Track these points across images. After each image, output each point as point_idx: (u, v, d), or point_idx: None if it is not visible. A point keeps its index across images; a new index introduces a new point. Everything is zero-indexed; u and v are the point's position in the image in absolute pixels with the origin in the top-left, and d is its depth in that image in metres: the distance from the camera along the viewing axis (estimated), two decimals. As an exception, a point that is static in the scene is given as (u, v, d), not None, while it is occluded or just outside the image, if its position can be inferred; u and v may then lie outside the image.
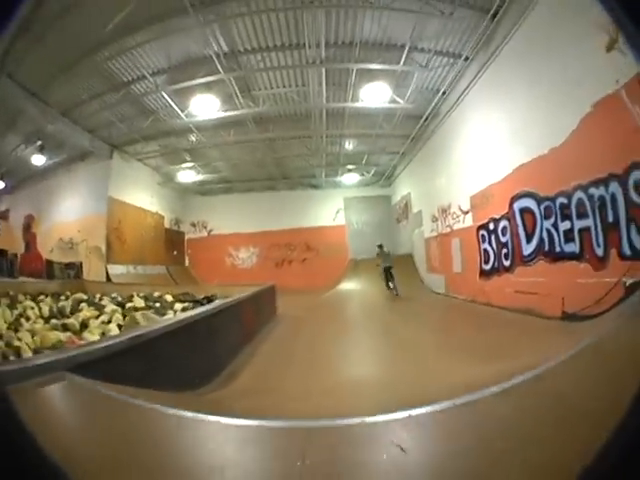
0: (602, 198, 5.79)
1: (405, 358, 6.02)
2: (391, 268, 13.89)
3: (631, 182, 5.19)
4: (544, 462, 1.44)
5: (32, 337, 5.47)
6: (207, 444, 1.92)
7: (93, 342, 3.38)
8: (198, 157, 16.29)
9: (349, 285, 16.25)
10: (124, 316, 7.10)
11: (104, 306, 7.91)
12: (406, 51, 9.34)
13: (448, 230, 12.73)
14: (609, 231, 5.68)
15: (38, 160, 13.62)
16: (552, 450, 1.50)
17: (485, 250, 10.24)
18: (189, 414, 2.32)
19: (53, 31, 7.94)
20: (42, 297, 9.05)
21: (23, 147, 13.38)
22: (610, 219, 5.64)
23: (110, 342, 3.04)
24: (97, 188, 14.37)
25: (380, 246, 14.68)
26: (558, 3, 6.48)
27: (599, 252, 5.95)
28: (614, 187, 5.51)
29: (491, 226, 9.81)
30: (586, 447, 1.10)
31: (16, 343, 5.08)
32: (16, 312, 7.10)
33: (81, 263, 13.74)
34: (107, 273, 13.59)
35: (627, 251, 5.30)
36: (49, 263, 13.29)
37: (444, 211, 13.00)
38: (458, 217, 11.92)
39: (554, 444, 1.53)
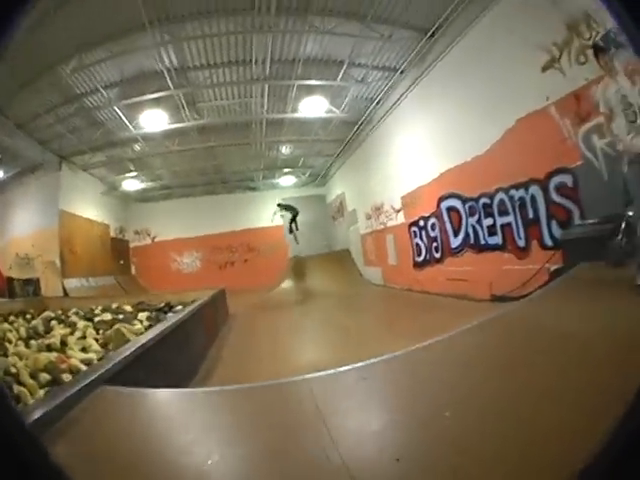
0: (522, 199, 6.68)
1: (350, 341, 6.70)
2: (296, 216, 15.22)
3: (552, 185, 6.07)
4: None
5: (20, 360, 5.32)
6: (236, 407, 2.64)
7: (111, 357, 3.60)
8: (141, 166, 16.03)
9: (291, 282, 16.63)
10: (97, 330, 7.12)
11: (75, 323, 7.73)
12: (344, 67, 9.89)
13: (382, 227, 13.54)
14: (530, 226, 6.58)
15: None
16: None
17: (417, 244, 11.10)
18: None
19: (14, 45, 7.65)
20: (12, 318, 8.54)
21: None
22: (530, 216, 6.54)
23: (125, 354, 3.37)
24: (48, 201, 13.76)
25: (279, 204, 15.66)
26: (496, 25, 7.02)
27: (520, 243, 6.86)
28: (534, 189, 6.40)
29: (421, 223, 10.67)
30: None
31: (13, 370, 4.92)
32: (-3, 336, 6.86)
33: (38, 279, 13.07)
34: (63, 288, 13.14)
35: (548, 242, 6.19)
36: (10, 280, 12.32)
37: (377, 209, 13.79)
38: (391, 215, 12.73)
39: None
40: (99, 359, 5.36)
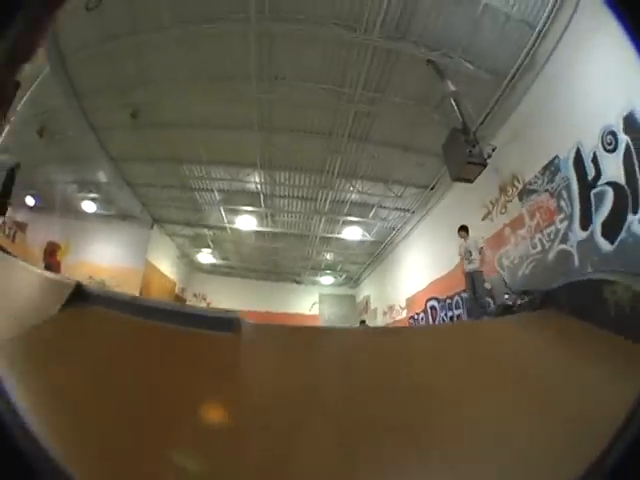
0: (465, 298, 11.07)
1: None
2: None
3: None
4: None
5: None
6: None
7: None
8: (218, 246, 20.58)
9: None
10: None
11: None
12: (374, 210, 15.12)
13: (392, 320, 17.60)
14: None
15: (89, 207, 15.33)
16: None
17: (413, 332, 15.28)
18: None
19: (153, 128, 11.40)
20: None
21: (76, 188, 14.53)
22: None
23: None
24: (137, 248, 16.70)
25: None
26: (465, 187, 9.78)
27: (464, 325, 11.13)
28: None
29: (416, 317, 14.93)
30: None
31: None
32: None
33: (114, 303, 15.79)
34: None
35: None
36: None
37: (390, 308, 17.96)
38: (399, 312, 17.02)
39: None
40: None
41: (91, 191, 14.97)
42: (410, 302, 15.62)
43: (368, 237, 17.30)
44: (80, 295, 3.43)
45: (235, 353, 3.09)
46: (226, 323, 3.53)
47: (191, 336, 3.23)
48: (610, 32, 5.94)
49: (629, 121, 6.05)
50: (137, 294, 15.14)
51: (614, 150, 6.35)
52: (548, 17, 7.71)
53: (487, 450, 1.95)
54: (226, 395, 2.42)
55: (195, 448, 1.76)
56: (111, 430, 1.77)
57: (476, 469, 1.80)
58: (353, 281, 24.58)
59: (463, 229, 9.10)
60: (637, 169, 5.88)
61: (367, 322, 18.85)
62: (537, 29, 7.90)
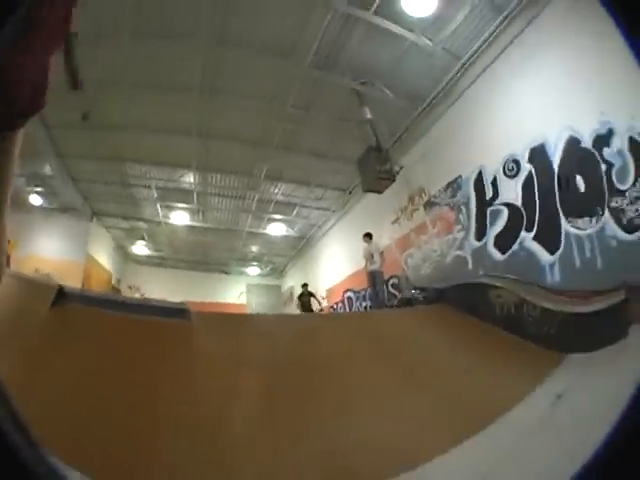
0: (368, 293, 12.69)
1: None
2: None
3: (390, 283, 11.66)
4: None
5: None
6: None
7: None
8: (152, 239, 21.07)
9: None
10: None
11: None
12: (297, 209, 16.52)
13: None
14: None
15: (35, 200, 15.46)
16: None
17: (332, 319, 16.91)
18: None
19: (102, 127, 11.45)
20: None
21: (23, 180, 14.24)
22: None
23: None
24: (78, 241, 16.87)
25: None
26: (376, 197, 11.29)
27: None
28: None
29: (335, 306, 16.51)
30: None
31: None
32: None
33: (58, 294, 15.57)
34: (81, 309, 16.51)
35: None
36: (23, 281, 14.30)
37: None
38: (320, 302, 18.57)
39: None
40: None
41: (37, 185, 14.99)
42: (330, 293, 17.21)
43: (292, 232, 18.81)
44: (61, 295, 4.14)
45: (189, 335, 4.33)
46: (179, 312, 4.79)
47: (154, 323, 4.44)
48: (530, 79, 7.30)
49: (535, 153, 7.10)
50: (79, 287, 14.95)
51: (515, 176, 7.54)
52: (472, 56, 8.67)
53: (371, 406, 3.27)
54: (185, 366, 3.53)
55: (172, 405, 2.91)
56: (107, 428, 2.24)
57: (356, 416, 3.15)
58: (279, 272, 25.78)
59: (367, 235, 10.73)
60: (536, 194, 6.95)
61: (289, 307, 20.06)
62: (458, 66, 9.11)
